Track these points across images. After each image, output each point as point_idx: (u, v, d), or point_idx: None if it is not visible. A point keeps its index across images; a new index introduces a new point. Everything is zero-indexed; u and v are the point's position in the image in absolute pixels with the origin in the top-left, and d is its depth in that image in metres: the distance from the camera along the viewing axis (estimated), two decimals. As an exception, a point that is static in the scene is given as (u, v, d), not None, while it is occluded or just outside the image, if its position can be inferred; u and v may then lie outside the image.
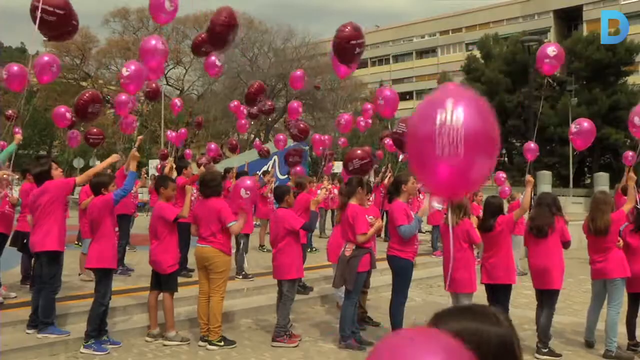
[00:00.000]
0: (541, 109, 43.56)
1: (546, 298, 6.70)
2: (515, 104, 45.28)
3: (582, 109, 42.38)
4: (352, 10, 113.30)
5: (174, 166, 10.29)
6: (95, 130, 12.36)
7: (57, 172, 7.02)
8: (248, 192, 6.62)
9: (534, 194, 10.16)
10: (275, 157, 18.33)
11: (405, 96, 75.65)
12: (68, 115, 7.32)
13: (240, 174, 9.85)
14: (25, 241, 7.78)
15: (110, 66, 49.97)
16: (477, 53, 50.61)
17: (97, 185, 6.78)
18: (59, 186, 6.71)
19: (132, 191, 10.74)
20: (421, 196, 13.36)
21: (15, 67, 7.43)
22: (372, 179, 14.69)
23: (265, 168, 16.04)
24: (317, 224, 13.21)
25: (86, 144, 12.10)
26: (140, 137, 8.12)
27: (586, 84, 44.72)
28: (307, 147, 18.21)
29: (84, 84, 49.29)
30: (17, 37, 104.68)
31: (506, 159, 50.21)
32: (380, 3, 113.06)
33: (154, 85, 12.30)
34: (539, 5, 65.09)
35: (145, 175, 18.31)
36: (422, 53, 74.89)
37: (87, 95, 8.68)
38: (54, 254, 6.63)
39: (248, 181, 6.83)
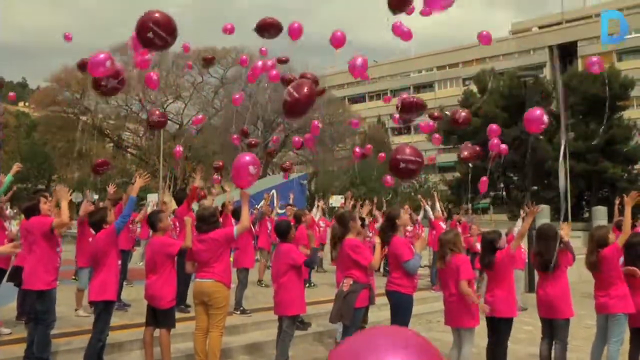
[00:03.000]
0: (538, 144, 43.93)
1: (557, 329, 6.63)
2: (512, 138, 45.48)
3: (579, 143, 42.64)
4: (350, 44, 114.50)
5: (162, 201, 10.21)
6: (100, 160, 12.42)
7: (46, 206, 6.91)
8: (255, 168, 6.50)
9: (533, 228, 10.15)
10: (274, 190, 18.32)
11: (403, 130, 76.17)
12: (108, 64, 6.99)
13: (237, 209, 9.81)
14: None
15: (110, 101, 50.28)
16: (473, 88, 51.11)
17: (98, 223, 6.75)
18: (37, 225, 6.57)
19: (131, 226, 10.70)
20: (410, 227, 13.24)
21: (101, 55, 7.39)
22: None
23: (262, 203, 16.00)
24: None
25: (94, 174, 12.16)
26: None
27: (582, 119, 45.05)
28: (304, 181, 18.24)
29: (83, 118, 49.55)
30: (19, 72, 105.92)
31: (504, 193, 50.27)
32: (379, 39, 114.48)
33: (157, 113, 12.34)
34: (534, 41, 66.03)
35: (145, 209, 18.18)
36: (419, 88, 75.53)
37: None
38: (41, 292, 6.52)
39: (247, 157, 6.69)
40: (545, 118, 8.46)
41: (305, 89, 6.58)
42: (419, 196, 14.31)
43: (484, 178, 13.69)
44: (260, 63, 12.86)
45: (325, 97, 51.71)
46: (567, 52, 64.25)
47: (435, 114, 14.54)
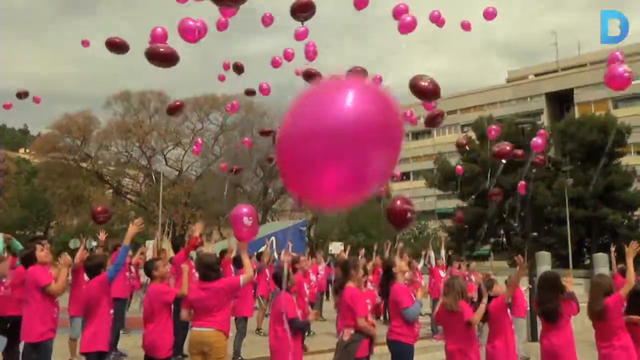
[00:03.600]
0: (537, 190, 44.02)
1: None
2: (511, 185, 45.58)
3: (579, 190, 42.68)
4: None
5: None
6: (100, 208, 12.35)
7: (42, 253, 6.84)
8: (251, 219, 6.44)
9: (534, 275, 10.05)
10: (273, 237, 18.24)
11: (402, 177, 76.42)
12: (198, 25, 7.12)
13: (237, 258, 9.72)
14: (8, 325, 7.59)
15: (111, 147, 50.56)
16: (472, 134, 51.47)
17: (95, 268, 6.66)
18: (32, 280, 6.54)
19: (128, 274, 10.58)
20: (406, 274, 13.09)
21: (190, 22, 7.45)
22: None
23: (262, 249, 15.89)
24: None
25: (95, 222, 12.10)
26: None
27: (581, 165, 45.23)
28: (304, 228, 18.18)
29: (83, 164, 49.72)
30: (21, 119, 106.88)
31: (504, 239, 50.10)
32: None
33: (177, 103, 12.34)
34: (531, 89, 66.87)
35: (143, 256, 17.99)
36: (418, 134, 76.05)
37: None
38: (37, 344, 6.43)
39: (244, 209, 6.65)
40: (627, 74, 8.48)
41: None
42: (426, 248, 14.16)
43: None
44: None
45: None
46: (563, 99, 64.99)
47: (464, 142, 14.79)
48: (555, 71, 68.31)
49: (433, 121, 11.24)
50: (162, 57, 8.31)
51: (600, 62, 62.30)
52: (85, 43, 15.06)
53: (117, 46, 10.32)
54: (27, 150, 72.80)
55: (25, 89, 14.61)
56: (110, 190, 53.41)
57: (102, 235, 10.28)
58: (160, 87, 55.35)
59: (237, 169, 18.57)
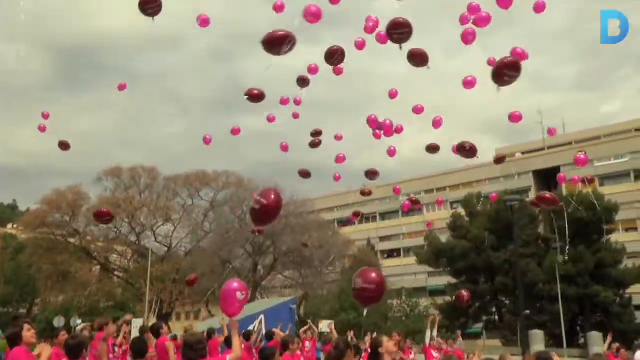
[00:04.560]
0: (528, 267, 43.88)
1: None
2: (502, 261, 45.48)
3: (569, 267, 42.55)
4: (340, 169, 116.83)
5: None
6: (105, 210, 12.23)
7: (29, 333, 6.67)
8: (244, 293, 6.30)
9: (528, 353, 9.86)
10: (262, 315, 17.90)
11: (392, 253, 76.11)
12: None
13: (227, 339, 9.50)
14: None
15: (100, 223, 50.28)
16: (461, 211, 51.72)
17: (77, 346, 6.47)
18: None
19: (112, 356, 10.27)
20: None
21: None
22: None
23: (251, 327, 15.56)
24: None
25: (97, 221, 12.03)
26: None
27: (571, 242, 45.28)
28: (294, 306, 17.93)
29: (71, 240, 49.26)
30: (10, 194, 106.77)
31: (496, 317, 49.44)
32: (368, 163, 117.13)
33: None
34: (518, 166, 67.75)
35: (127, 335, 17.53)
36: (408, 211, 76.30)
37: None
38: None
39: (235, 283, 6.53)
40: None
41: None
42: (431, 316, 13.92)
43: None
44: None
45: (314, 219, 52.28)
46: (551, 177, 65.81)
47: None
48: (542, 149, 69.50)
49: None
50: (278, 40, 8.20)
51: (585, 140, 63.73)
52: (41, 129, 15.04)
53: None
54: (15, 226, 72.16)
55: (66, 140, 14.35)
56: (98, 267, 52.70)
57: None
58: (151, 162, 55.89)
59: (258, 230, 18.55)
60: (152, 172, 50.74)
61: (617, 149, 60.00)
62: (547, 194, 12.59)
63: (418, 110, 13.72)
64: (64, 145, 14.10)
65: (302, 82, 12.21)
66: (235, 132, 14.53)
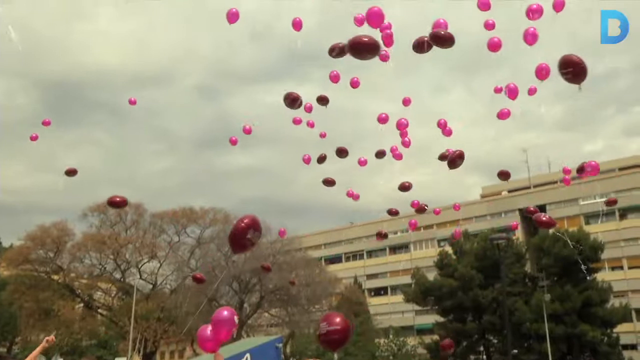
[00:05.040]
0: (515, 305, 43.77)
1: None
2: (489, 300, 45.34)
3: (556, 305, 42.52)
4: (327, 207, 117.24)
5: None
6: (118, 199, 12.01)
7: None
8: (237, 317, 6.34)
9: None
10: (248, 354, 17.65)
11: (379, 291, 75.75)
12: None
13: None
14: None
15: (84, 260, 49.66)
16: (448, 249, 51.74)
17: None
18: None
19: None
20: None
21: None
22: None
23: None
24: None
25: (110, 206, 11.82)
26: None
27: (557, 280, 45.34)
28: (280, 344, 17.69)
29: (55, 277, 48.56)
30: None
31: (484, 356, 49.03)
32: (355, 201, 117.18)
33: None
34: (505, 204, 68.26)
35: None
36: (395, 249, 76.28)
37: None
38: None
39: (226, 311, 6.53)
40: None
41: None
42: None
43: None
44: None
45: (302, 256, 52.02)
46: (537, 215, 66.22)
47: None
48: (527, 187, 70.11)
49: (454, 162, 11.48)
50: (366, 47, 8.01)
51: (570, 179, 64.36)
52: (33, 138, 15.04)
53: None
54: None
55: (74, 167, 14.24)
56: (81, 304, 51.87)
57: (51, 338, 9.79)
58: (138, 199, 55.59)
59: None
60: (139, 209, 50.44)
61: (602, 188, 60.62)
62: (544, 216, 12.73)
63: (406, 143, 13.84)
64: (71, 172, 14.12)
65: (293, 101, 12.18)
66: (247, 131, 14.31)
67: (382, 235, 18.90)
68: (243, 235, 6.54)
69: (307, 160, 14.59)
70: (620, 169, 61.90)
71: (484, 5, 10.32)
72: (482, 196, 75.98)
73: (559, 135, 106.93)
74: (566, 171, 13.57)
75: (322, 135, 14.16)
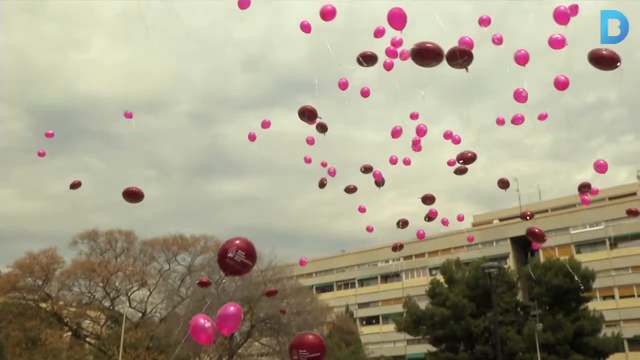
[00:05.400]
0: (507, 335, 43.58)
1: None
2: (481, 329, 45.12)
3: (548, 335, 42.38)
4: (319, 235, 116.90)
5: None
6: (135, 189, 11.85)
7: None
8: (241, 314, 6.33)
9: None
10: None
11: (371, 320, 75.24)
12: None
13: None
14: None
15: (73, 287, 49.16)
16: (440, 277, 51.63)
17: None
18: None
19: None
20: None
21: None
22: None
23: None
24: None
25: (126, 196, 11.54)
26: None
27: (549, 310, 45.26)
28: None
29: (43, 305, 47.98)
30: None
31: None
32: (346, 229, 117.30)
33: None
34: (496, 233, 68.36)
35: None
36: (386, 277, 76.01)
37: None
38: None
39: (232, 307, 6.51)
40: None
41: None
42: None
43: None
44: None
45: (292, 285, 51.73)
46: (528, 244, 66.22)
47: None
48: (518, 216, 70.35)
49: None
50: (431, 53, 7.95)
51: (560, 208, 64.70)
52: None
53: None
54: (-15, 290, 70.18)
55: (78, 180, 14.16)
56: (69, 333, 51.16)
57: None
58: (129, 226, 55.38)
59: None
60: (129, 236, 50.21)
61: (592, 217, 60.93)
62: (536, 229, 12.95)
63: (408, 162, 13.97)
64: (75, 185, 14.11)
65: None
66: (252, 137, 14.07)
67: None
68: (224, 255, 6.53)
69: (308, 160, 14.48)
70: (610, 198, 62.23)
71: (485, 22, 10.59)
72: (474, 225, 76.10)
73: (550, 164, 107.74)
74: (589, 189, 13.66)
75: (324, 164, 14.14)
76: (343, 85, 11.91)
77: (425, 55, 7.91)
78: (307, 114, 11.07)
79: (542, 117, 11.99)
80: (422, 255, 72.28)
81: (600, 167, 11.72)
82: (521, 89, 10.36)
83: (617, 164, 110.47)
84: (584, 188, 13.10)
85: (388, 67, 12.02)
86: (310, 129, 12.15)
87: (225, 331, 6.50)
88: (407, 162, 14.10)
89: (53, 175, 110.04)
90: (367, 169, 13.66)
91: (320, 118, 11.31)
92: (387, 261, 76.41)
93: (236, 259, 6.45)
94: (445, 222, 15.63)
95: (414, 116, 13.25)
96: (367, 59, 10.16)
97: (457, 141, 13.71)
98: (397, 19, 8.87)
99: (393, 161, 13.90)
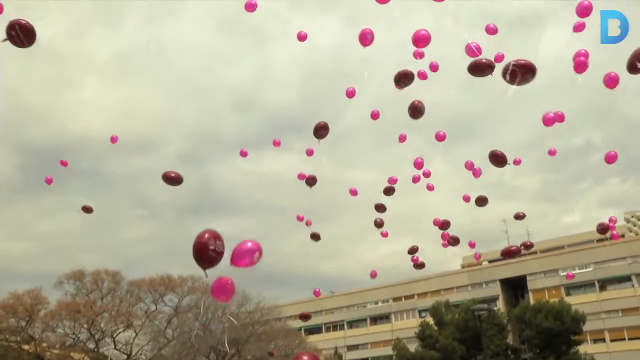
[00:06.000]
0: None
1: None
2: (472, 373, 44.63)
3: (539, 379, 41.97)
4: (308, 275, 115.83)
5: None
6: (173, 174, 11.63)
7: None
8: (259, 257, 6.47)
9: None
10: None
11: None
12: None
13: None
14: None
15: (57, 329, 48.24)
16: (430, 319, 51.23)
17: None
18: None
19: None
20: None
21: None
22: None
23: None
24: None
25: (166, 180, 11.34)
26: None
27: (539, 353, 44.89)
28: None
29: (26, 347, 46.99)
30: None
31: None
32: (335, 271, 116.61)
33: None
34: (486, 274, 68.16)
35: None
36: (376, 319, 75.31)
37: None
38: None
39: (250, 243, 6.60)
40: None
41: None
42: None
43: None
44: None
45: (281, 326, 51.12)
46: (517, 286, 66.14)
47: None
48: (507, 258, 70.24)
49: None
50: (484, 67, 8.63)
51: (549, 250, 64.77)
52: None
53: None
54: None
55: (89, 205, 14.17)
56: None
57: None
58: (116, 266, 54.69)
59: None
60: (116, 276, 49.61)
61: (581, 259, 61.07)
62: (513, 247, 13.28)
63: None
64: (87, 210, 14.08)
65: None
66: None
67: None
68: (207, 249, 6.57)
69: (300, 219, 14.83)
70: (599, 240, 62.47)
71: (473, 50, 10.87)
72: (463, 266, 75.89)
73: (538, 207, 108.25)
74: (612, 222, 13.83)
75: (300, 218, 14.51)
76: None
77: (480, 68, 8.85)
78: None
79: (516, 162, 12.15)
80: (411, 296, 71.84)
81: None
82: (552, 114, 10.57)
83: (605, 206, 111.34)
84: (603, 230, 13.45)
85: (375, 116, 12.38)
86: (299, 169, 12.25)
87: (243, 263, 6.49)
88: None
89: (40, 214, 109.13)
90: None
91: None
92: (376, 303, 75.81)
93: (217, 249, 6.58)
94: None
95: (418, 164, 13.53)
96: (403, 78, 10.35)
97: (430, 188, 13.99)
98: (422, 39, 9.51)
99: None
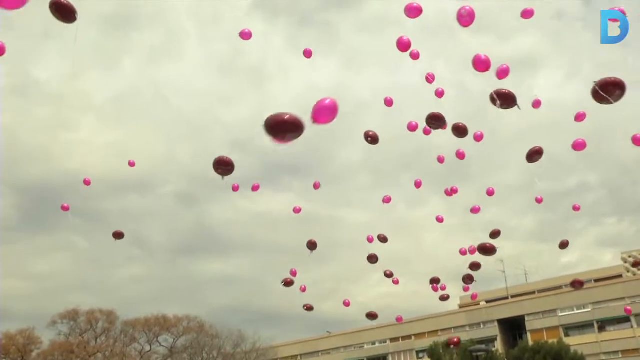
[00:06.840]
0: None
1: None
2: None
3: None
4: (304, 315, 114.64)
5: None
6: (226, 159, 11.33)
7: None
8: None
9: None
10: None
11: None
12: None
13: None
14: None
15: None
16: (427, 361, 50.70)
17: None
18: None
19: None
20: None
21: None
22: None
23: None
24: None
25: (218, 165, 11.04)
26: None
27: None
28: None
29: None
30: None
31: None
32: (331, 311, 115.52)
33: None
34: (483, 315, 67.60)
35: None
36: (373, 360, 74.44)
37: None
38: None
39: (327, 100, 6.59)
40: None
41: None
42: None
43: None
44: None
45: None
46: (515, 326, 65.56)
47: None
48: (505, 298, 69.79)
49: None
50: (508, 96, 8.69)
51: (547, 290, 64.46)
52: None
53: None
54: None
55: (120, 230, 14.34)
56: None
57: None
58: (110, 306, 54.17)
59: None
60: (111, 316, 49.18)
61: (579, 299, 60.74)
62: (488, 243, 13.51)
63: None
64: (119, 235, 14.21)
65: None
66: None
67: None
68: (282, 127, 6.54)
69: (293, 273, 15.19)
70: (596, 280, 62.21)
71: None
72: (460, 306, 75.32)
73: (535, 246, 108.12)
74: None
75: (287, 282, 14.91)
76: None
77: (507, 98, 9.08)
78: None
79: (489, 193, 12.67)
80: (408, 337, 71.06)
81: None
82: (580, 140, 10.78)
83: (602, 246, 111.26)
84: (563, 245, 14.07)
85: (389, 103, 12.71)
86: (294, 205, 12.38)
87: (323, 120, 6.44)
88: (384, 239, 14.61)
89: (34, 254, 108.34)
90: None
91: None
92: (373, 343, 74.92)
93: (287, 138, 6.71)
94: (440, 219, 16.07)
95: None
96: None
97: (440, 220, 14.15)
98: (482, 64, 9.66)
99: (370, 240, 14.30)
